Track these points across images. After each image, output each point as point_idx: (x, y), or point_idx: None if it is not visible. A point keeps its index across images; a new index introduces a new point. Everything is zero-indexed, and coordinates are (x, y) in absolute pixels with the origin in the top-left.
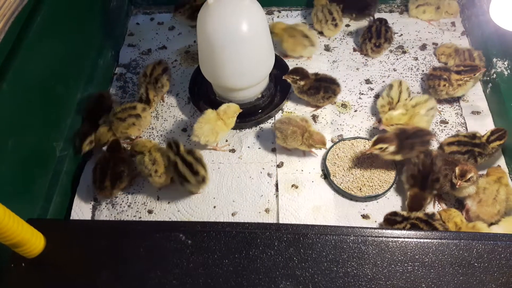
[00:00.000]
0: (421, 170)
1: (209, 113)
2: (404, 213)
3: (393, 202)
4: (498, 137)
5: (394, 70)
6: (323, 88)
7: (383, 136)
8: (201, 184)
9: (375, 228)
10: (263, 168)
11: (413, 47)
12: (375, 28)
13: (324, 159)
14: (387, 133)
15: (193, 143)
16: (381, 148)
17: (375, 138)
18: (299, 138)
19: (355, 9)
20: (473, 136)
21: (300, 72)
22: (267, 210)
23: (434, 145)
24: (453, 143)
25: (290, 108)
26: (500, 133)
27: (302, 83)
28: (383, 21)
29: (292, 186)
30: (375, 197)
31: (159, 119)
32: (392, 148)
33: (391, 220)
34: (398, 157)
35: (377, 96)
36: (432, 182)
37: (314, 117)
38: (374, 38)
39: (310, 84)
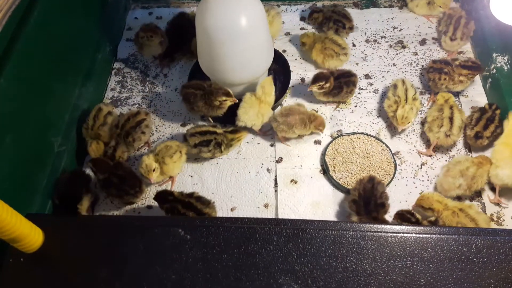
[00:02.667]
0: (362, 195)
1: (249, 97)
2: (419, 217)
3: (391, 197)
4: (496, 106)
5: (394, 65)
6: (344, 84)
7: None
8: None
9: (374, 223)
10: (262, 164)
11: (412, 42)
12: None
13: (323, 154)
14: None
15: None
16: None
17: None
18: (307, 123)
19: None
20: (486, 109)
21: (322, 77)
22: (266, 205)
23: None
24: (487, 125)
25: (290, 103)
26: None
27: (328, 85)
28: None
29: (291, 181)
30: None
31: (157, 114)
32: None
33: (404, 217)
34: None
35: (376, 91)
36: (377, 206)
37: None
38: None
39: (333, 85)
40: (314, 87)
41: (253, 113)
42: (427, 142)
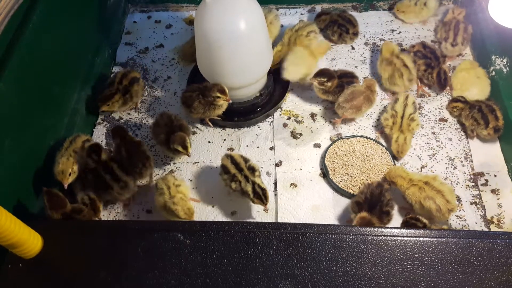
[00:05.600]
0: (369, 199)
1: (299, 49)
2: (426, 221)
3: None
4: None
5: None
6: (346, 84)
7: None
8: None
9: (374, 227)
10: (262, 167)
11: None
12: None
13: (323, 157)
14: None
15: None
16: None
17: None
18: (370, 98)
19: None
20: (476, 104)
21: (326, 73)
22: (265, 209)
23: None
24: (496, 116)
25: (289, 107)
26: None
27: (329, 84)
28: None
29: (291, 185)
30: None
31: None
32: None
33: (410, 224)
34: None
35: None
36: (382, 213)
37: (313, 115)
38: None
39: (335, 85)
40: (315, 80)
41: (301, 62)
42: (426, 144)
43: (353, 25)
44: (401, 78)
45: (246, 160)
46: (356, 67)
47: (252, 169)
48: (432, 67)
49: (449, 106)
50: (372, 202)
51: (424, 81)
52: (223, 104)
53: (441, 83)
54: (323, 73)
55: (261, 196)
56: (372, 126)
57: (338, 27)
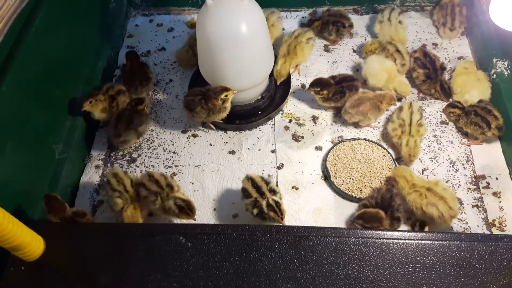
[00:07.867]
0: (379, 203)
1: (384, 61)
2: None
3: None
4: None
5: None
6: (347, 88)
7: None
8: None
9: (376, 230)
10: (263, 170)
11: (412, 48)
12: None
13: (324, 160)
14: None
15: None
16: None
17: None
18: (379, 106)
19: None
20: (474, 108)
21: (320, 83)
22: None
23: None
24: (494, 116)
25: (290, 110)
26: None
27: (325, 92)
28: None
29: (293, 187)
30: None
31: (158, 121)
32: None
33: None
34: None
35: None
36: (393, 219)
37: (314, 118)
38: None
39: (334, 90)
40: (311, 90)
41: (381, 72)
42: (428, 147)
43: (346, 18)
44: (394, 63)
45: (267, 183)
46: (357, 70)
47: (274, 192)
48: (431, 78)
49: (446, 111)
50: (383, 207)
51: (424, 90)
52: (227, 106)
53: (446, 93)
54: (317, 83)
55: (275, 208)
56: (374, 129)
57: (333, 25)
